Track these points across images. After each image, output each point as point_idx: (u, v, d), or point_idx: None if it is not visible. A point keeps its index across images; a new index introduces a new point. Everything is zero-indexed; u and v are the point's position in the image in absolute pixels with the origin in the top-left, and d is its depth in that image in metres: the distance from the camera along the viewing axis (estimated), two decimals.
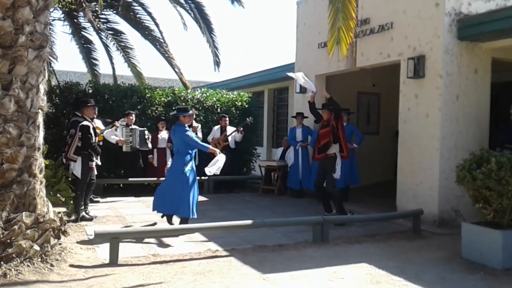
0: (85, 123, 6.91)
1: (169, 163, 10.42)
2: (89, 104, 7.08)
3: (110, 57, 12.06)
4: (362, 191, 10.08)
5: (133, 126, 9.96)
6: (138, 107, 10.57)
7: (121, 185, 10.32)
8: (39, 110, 4.76)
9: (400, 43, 7.74)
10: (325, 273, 4.87)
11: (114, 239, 5.01)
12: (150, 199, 9.39)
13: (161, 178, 10.00)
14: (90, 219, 7.01)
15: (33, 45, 4.58)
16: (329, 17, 5.56)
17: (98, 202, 8.87)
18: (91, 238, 6.10)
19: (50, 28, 5.71)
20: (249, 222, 5.79)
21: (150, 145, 10.11)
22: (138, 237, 5.79)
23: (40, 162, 4.81)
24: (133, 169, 10.11)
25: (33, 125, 4.66)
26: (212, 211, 8.27)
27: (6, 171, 4.38)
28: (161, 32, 11.17)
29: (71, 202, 6.99)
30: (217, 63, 10.90)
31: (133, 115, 9.96)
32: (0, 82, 4.36)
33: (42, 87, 4.80)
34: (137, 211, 8.24)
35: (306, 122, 10.05)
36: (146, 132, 10.06)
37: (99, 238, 5.05)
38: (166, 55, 11.21)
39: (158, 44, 11.10)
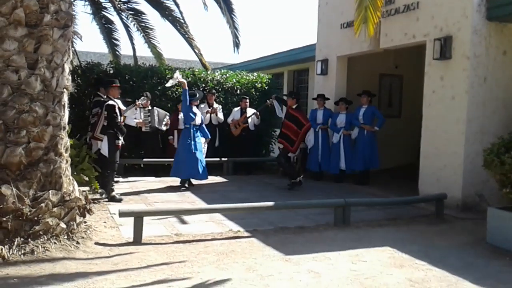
0: (111, 102, 6.96)
1: None
2: (114, 85, 7.10)
3: (131, 38, 12.04)
4: (383, 175, 9.98)
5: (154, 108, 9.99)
6: (159, 88, 10.57)
7: (142, 165, 10.42)
8: (64, 90, 4.79)
9: (426, 23, 7.55)
10: (348, 255, 4.85)
11: (138, 218, 5.07)
12: (171, 179, 9.54)
13: None
14: (120, 200, 7.08)
15: (58, 24, 4.58)
16: None
17: (118, 182, 8.97)
18: (115, 216, 6.20)
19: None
20: (271, 203, 5.79)
21: (164, 128, 10.07)
22: (161, 216, 5.83)
23: (65, 141, 4.86)
24: (153, 150, 10.19)
25: (59, 104, 4.70)
26: (232, 192, 8.30)
27: (33, 150, 4.43)
28: (181, 13, 11.07)
29: (96, 181, 7.06)
30: (236, 45, 10.80)
31: (147, 99, 9.75)
32: (27, 61, 4.39)
33: (67, 67, 4.82)
34: (158, 190, 8.31)
35: (327, 104, 9.94)
36: (167, 117, 10.05)
37: (123, 216, 5.09)
38: (186, 35, 11.14)
39: (179, 24, 11.02)
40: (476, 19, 6.73)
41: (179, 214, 5.88)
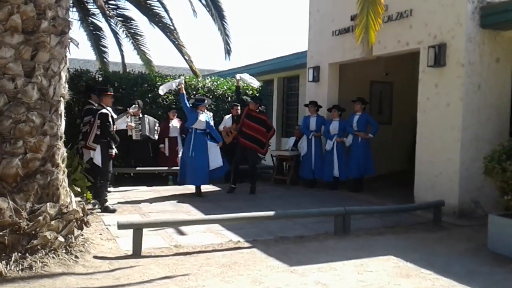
0: (104, 111, 6.81)
1: (180, 152, 10.34)
2: (108, 93, 6.96)
3: (119, 44, 11.90)
4: (376, 181, 9.97)
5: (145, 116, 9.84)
6: (149, 95, 10.45)
7: (131, 174, 10.24)
8: (61, 98, 4.65)
9: (420, 31, 7.60)
10: (352, 265, 4.79)
11: (137, 230, 4.93)
12: (163, 188, 9.43)
13: (174, 168, 9.98)
14: (113, 211, 6.91)
15: (55, 31, 4.45)
16: (358, 2, 5.39)
17: (110, 191, 8.77)
18: (110, 228, 6.04)
19: None
20: (271, 213, 5.71)
21: (156, 137, 9.98)
22: (161, 227, 5.69)
23: (62, 151, 4.72)
24: (143, 159, 10.03)
25: (56, 114, 4.56)
26: (225, 201, 8.20)
27: (30, 161, 4.27)
28: (171, 19, 11.00)
29: (88, 191, 6.89)
30: (228, 52, 10.76)
31: (138, 107, 9.65)
32: (23, 69, 4.24)
33: (64, 74, 4.69)
34: (151, 200, 8.15)
35: (319, 111, 9.93)
36: (157, 125, 9.94)
37: (123, 228, 4.95)
38: (176, 42, 11.04)
39: (168, 31, 10.92)
40: (470, 27, 6.80)
41: (180, 225, 5.76)
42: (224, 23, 10.43)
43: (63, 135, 4.79)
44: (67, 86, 4.76)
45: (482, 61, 6.95)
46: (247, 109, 8.96)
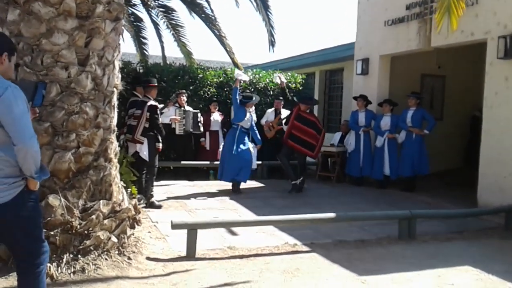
0: (153, 103, 6.52)
1: (221, 146, 10.01)
2: (154, 84, 6.67)
3: (160, 36, 11.62)
4: (427, 181, 9.39)
5: (187, 108, 9.57)
6: (190, 87, 10.16)
7: (171, 168, 9.97)
8: (114, 89, 4.33)
9: (488, 20, 6.98)
10: (429, 276, 4.32)
11: (191, 231, 4.59)
12: (205, 183, 9.13)
13: (215, 162, 9.66)
14: (159, 207, 6.64)
15: (110, 16, 4.12)
16: None
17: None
18: (158, 225, 5.75)
19: None
20: (332, 215, 5.28)
21: (202, 129, 9.73)
22: (217, 228, 5.34)
23: (115, 145, 4.41)
24: (185, 152, 9.76)
25: (109, 105, 4.24)
26: (274, 199, 7.82)
27: (82, 155, 3.97)
28: (212, 10, 10.63)
29: (133, 186, 6.61)
30: (272, 43, 10.31)
31: (185, 95, 9.55)
32: (77, 57, 3.93)
33: (117, 63, 4.37)
34: (195, 195, 7.85)
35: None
36: (199, 115, 9.66)
37: (177, 228, 4.62)
38: (218, 33, 10.68)
39: (210, 21, 10.57)
40: None
41: (238, 226, 5.39)
42: (269, 13, 9.99)
43: (116, 128, 4.47)
44: (120, 76, 4.44)
45: None
46: (297, 109, 8.38)
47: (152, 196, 6.77)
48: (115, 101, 4.39)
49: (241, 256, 4.75)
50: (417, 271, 4.44)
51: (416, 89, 9.88)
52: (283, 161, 8.53)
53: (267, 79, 10.91)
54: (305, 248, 5.11)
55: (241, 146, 8.04)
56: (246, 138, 8.18)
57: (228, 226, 5.29)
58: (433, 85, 10.75)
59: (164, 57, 12.21)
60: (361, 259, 4.80)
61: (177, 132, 9.40)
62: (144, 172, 6.85)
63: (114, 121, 4.41)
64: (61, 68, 3.87)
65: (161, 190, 8.11)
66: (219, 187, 8.69)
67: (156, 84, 6.77)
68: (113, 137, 4.34)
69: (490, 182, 6.93)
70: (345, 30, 57.79)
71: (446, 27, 5.20)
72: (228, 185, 8.59)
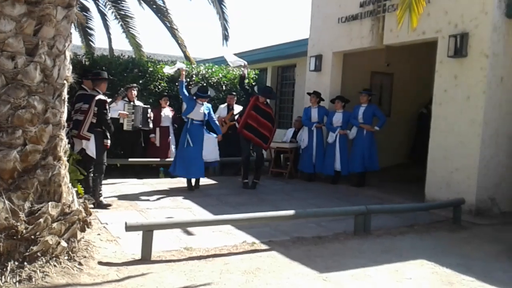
0: (101, 97, 6.18)
1: (172, 142, 9.76)
2: (105, 77, 6.33)
3: (107, 27, 11.14)
4: (376, 176, 9.60)
5: (137, 103, 9.22)
6: (140, 81, 9.80)
7: (118, 165, 9.58)
8: (65, 81, 4.03)
9: (439, 19, 7.19)
10: (387, 272, 4.37)
11: (147, 232, 4.38)
12: (155, 181, 8.83)
13: (166, 159, 9.38)
14: (107, 207, 6.32)
15: (62, 3, 3.80)
16: None
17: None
18: (108, 226, 5.47)
19: None
20: (291, 212, 5.25)
21: (151, 125, 9.41)
22: (174, 228, 5.14)
23: (65, 142, 4.11)
24: (133, 149, 9.40)
25: (59, 99, 3.94)
26: (228, 196, 7.69)
27: (29, 153, 3.66)
28: (163, 1, 10.35)
29: (79, 185, 6.25)
30: (225, 37, 10.16)
31: (135, 89, 9.22)
32: (25, 46, 3.60)
33: (68, 54, 4.06)
34: (145, 194, 7.57)
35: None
36: (149, 111, 9.34)
37: (132, 230, 4.39)
38: (170, 25, 10.40)
39: (161, 13, 10.28)
40: (496, 16, 6.43)
41: (195, 226, 5.21)
42: (223, 6, 9.82)
43: (66, 124, 4.17)
44: (71, 67, 4.13)
45: (506, 52, 6.60)
46: (254, 99, 8.32)
47: (100, 195, 6.45)
48: (65, 94, 4.09)
49: (199, 257, 4.60)
50: (375, 266, 4.48)
51: (366, 86, 10.07)
52: (244, 161, 8.52)
53: (220, 74, 10.73)
54: (264, 247, 5.03)
55: (195, 140, 7.84)
56: (202, 131, 7.95)
57: (186, 226, 5.11)
58: (382, 83, 11.01)
59: (111, 49, 11.73)
60: (320, 255, 4.79)
61: (125, 127, 9.05)
62: (91, 170, 6.51)
63: (64, 116, 4.10)
64: (7, 58, 3.53)
65: (108, 189, 7.75)
66: (170, 185, 8.46)
67: (106, 77, 6.44)
68: (62, 133, 4.05)
69: (438, 177, 7.17)
70: (298, 27, 58.28)
71: (399, 25, 5.27)
72: (179, 183, 8.38)
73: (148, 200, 7.14)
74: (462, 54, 6.72)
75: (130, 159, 9.16)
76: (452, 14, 6.96)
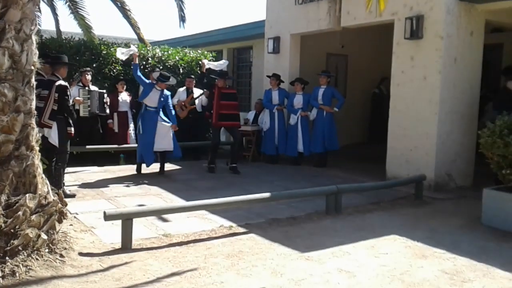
0: (62, 82, 5.89)
1: (131, 127, 9.51)
2: (65, 62, 6.05)
3: (53, 8, 10.56)
4: (335, 155, 9.86)
5: (92, 88, 8.89)
6: (93, 65, 9.42)
7: (74, 153, 9.22)
8: (33, 67, 3.82)
9: (395, 1, 7.39)
10: (364, 248, 4.56)
11: (127, 221, 4.29)
12: (117, 168, 8.62)
13: (123, 145, 9.15)
14: (73, 196, 6.10)
15: None
16: None
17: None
18: (78, 216, 5.31)
19: None
20: (267, 195, 5.32)
21: (108, 111, 9.12)
22: (155, 216, 5.07)
23: (36, 131, 3.91)
24: (91, 136, 9.08)
25: (28, 86, 3.74)
26: (195, 181, 7.66)
27: (2, 144, 3.47)
28: None
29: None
30: (182, 18, 9.94)
31: (89, 73, 8.87)
32: None
33: (35, 38, 3.84)
34: (109, 182, 7.38)
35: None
36: (105, 95, 9.04)
37: (111, 219, 4.29)
38: (121, 6, 10.03)
39: None
40: None
41: (174, 212, 5.14)
42: None
43: (35, 112, 3.96)
44: (38, 52, 3.91)
45: (458, 34, 6.93)
46: (217, 88, 8.30)
47: (64, 184, 6.22)
48: (33, 81, 3.88)
49: (180, 243, 4.58)
50: (352, 244, 4.65)
51: (322, 67, 10.24)
52: (213, 147, 8.58)
53: (177, 57, 10.52)
54: (242, 230, 5.08)
55: (146, 127, 7.70)
56: (155, 119, 7.76)
57: (166, 213, 5.05)
58: (337, 64, 11.25)
59: (59, 31, 11.17)
60: (298, 236, 4.91)
61: (82, 114, 8.69)
62: (53, 159, 6.24)
63: (34, 104, 3.90)
64: None
65: (70, 178, 7.50)
66: (132, 171, 8.28)
67: (67, 62, 6.16)
68: (33, 122, 3.85)
69: (397, 155, 7.49)
70: (254, 8, 57.78)
71: (367, 8, 5.42)
72: (143, 169, 8.19)
73: (114, 187, 6.97)
74: (418, 36, 6.98)
75: (88, 146, 8.84)
76: None
